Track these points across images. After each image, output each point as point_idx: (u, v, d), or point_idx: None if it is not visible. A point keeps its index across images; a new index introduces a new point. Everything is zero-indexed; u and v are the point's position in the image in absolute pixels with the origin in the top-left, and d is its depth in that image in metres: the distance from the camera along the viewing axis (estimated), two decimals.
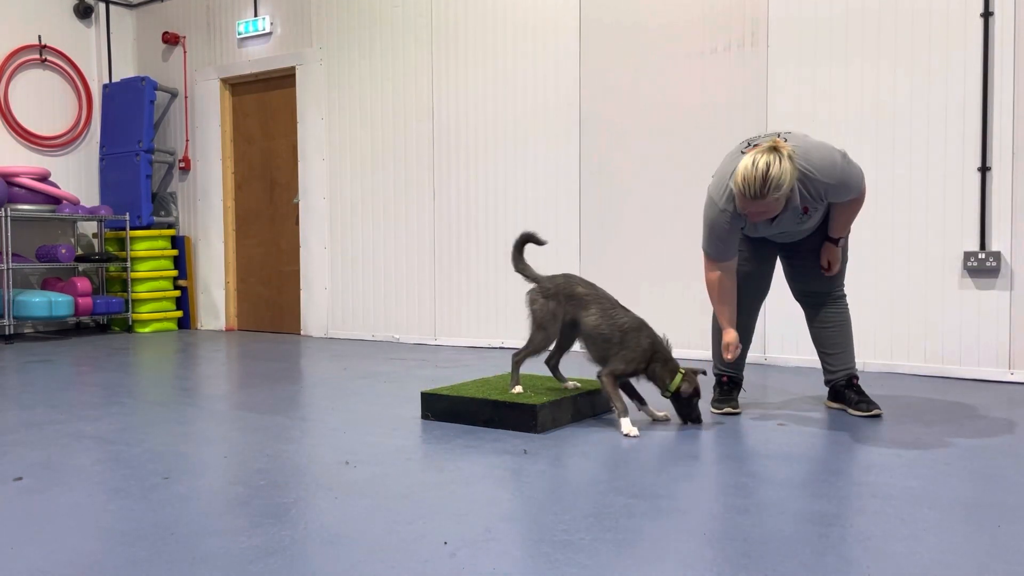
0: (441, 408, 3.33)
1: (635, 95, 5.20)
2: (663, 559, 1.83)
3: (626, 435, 3.04)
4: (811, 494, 2.30)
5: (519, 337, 5.70)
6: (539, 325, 3.28)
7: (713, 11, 4.92)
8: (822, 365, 3.47)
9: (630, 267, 5.27)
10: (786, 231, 3.24)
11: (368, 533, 2.01)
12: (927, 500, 2.24)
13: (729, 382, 3.49)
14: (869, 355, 4.53)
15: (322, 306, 6.70)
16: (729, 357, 3.24)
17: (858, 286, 4.54)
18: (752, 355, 4.85)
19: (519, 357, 3.35)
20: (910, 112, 4.37)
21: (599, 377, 3.18)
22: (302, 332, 6.87)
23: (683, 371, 3.16)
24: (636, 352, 3.14)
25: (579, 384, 3.47)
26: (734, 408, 3.44)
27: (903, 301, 4.44)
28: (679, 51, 5.04)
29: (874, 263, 4.50)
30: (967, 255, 4.23)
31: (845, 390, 3.42)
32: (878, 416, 3.35)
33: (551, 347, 3.40)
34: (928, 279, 4.37)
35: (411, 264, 6.22)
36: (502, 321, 5.78)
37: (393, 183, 6.28)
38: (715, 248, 3.17)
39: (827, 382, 3.48)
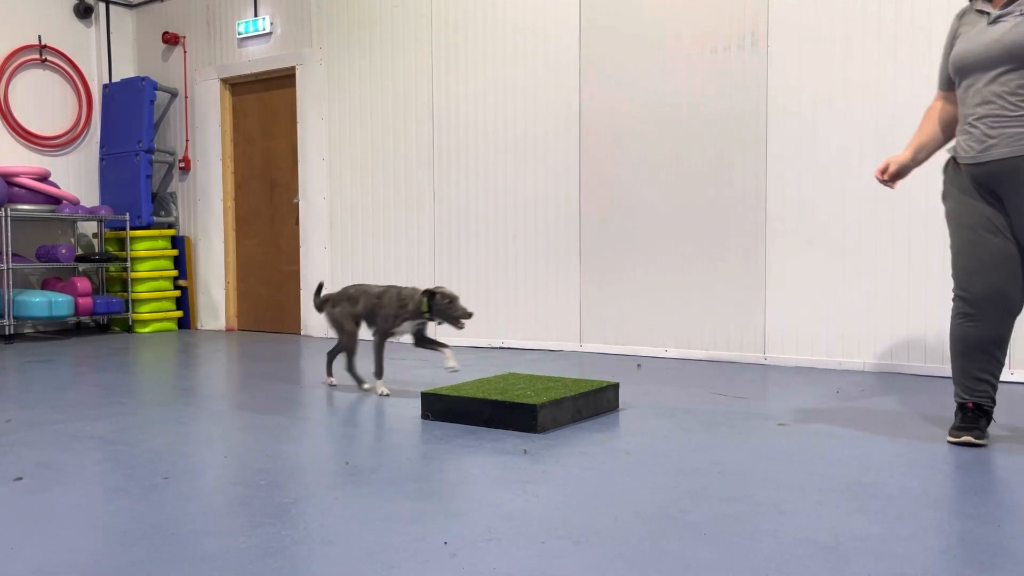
0: (441, 408, 3.33)
1: (635, 94, 5.20)
2: (659, 560, 1.83)
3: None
4: (811, 494, 2.30)
5: (519, 337, 5.70)
6: (339, 327, 4.02)
7: (713, 11, 4.92)
8: None
9: (630, 266, 5.27)
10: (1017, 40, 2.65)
11: (368, 533, 2.01)
12: (927, 500, 2.24)
13: (976, 409, 2.88)
14: (869, 355, 4.53)
15: None
16: (880, 176, 3.06)
17: (858, 286, 4.54)
18: (752, 355, 4.85)
19: (332, 353, 4.19)
20: (910, 112, 4.37)
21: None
22: (302, 332, 6.87)
23: (423, 292, 3.71)
24: (391, 308, 3.77)
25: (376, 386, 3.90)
26: (977, 439, 2.81)
27: (903, 301, 4.43)
28: (679, 51, 5.04)
29: (874, 263, 4.50)
30: None
31: None
32: None
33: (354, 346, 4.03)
34: (928, 279, 4.36)
35: (411, 263, 6.21)
36: (502, 321, 5.78)
37: (393, 183, 6.28)
38: (938, 73, 2.97)
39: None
